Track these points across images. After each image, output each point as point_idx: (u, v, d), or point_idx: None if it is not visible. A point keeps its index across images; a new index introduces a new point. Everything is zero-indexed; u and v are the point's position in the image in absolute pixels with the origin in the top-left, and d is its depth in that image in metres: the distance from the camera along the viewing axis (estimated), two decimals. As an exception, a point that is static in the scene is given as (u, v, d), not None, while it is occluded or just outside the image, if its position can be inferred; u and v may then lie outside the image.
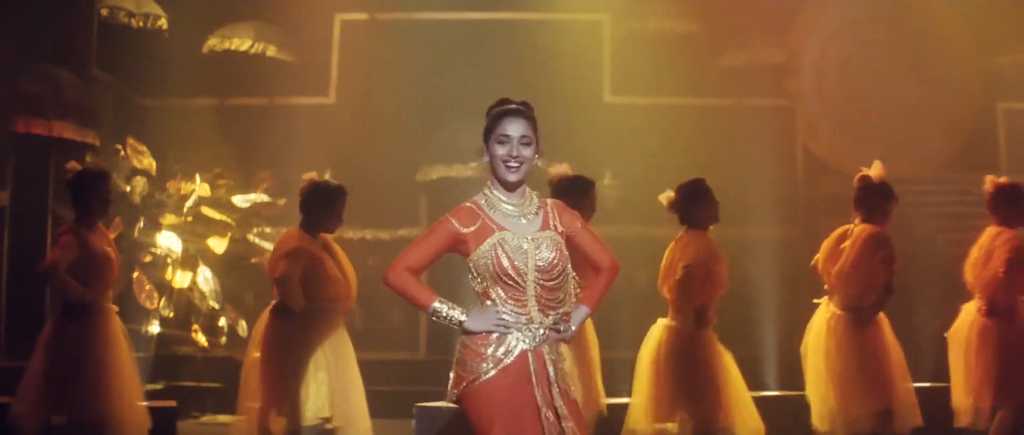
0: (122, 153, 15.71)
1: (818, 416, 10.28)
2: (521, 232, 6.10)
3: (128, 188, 15.61)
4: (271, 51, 17.40)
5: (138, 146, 15.82)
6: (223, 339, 15.98)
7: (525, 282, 6.02)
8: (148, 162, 15.86)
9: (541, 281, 6.05)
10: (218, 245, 15.99)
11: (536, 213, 6.23)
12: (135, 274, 15.47)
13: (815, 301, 10.60)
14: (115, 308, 10.25)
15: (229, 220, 16.02)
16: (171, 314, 15.93)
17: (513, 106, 6.47)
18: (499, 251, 6.02)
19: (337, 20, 18.23)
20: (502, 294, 6.03)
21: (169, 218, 15.86)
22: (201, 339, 16.03)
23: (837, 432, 10.16)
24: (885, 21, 18.15)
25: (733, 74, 17.60)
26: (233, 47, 17.36)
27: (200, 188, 15.95)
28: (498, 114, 6.42)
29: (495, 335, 6.02)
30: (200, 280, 15.93)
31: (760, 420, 10.27)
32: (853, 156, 17.59)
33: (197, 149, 16.72)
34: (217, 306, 16.09)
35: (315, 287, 9.94)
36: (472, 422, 6.07)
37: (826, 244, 10.42)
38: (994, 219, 10.26)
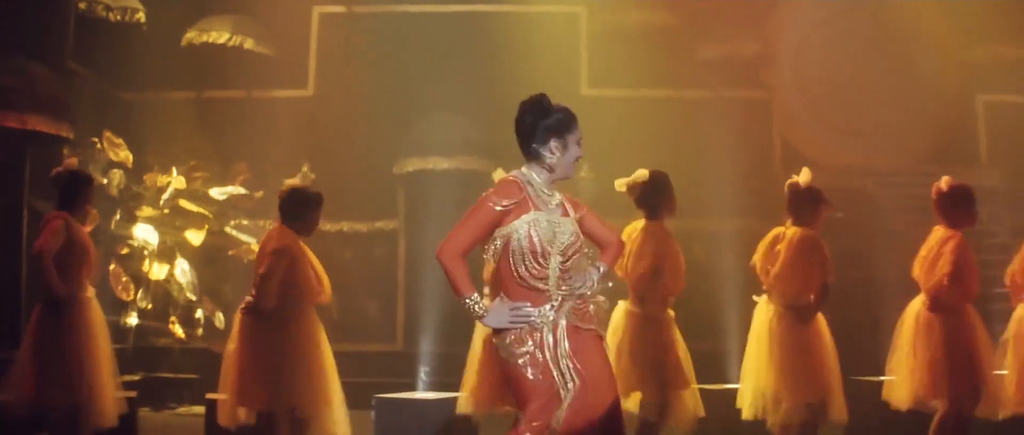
0: (99, 146, 15.69)
1: (750, 406, 10.60)
2: (550, 216, 6.67)
3: (105, 181, 15.60)
4: (249, 44, 17.44)
5: (115, 139, 15.82)
6: (200, 331, 16.02)
7: (549, 260, 6.57)
8: (124, 155, 15.87)
9: (561, 261, 6.59)
10: (195, 237, 16.02)
11: (558, 202, 6.84)
12: (111, 266, 15.49)
13: (755, 298, 10.75)
14: (95, 301, 10.31)
15: (206, 212, 16.04)
16: (149, 306, 15.96)
17: (570, 111, 7.19)
18: (533, 230, 6.58)
19: (315, 13, 18.29)
20: (530, 267, 6.58)
21: (146, 210, 15.89)
22: (178, 331, 16.06)
23: (769, 422, 10.46)
24: (864, 13, 18.15)
25: (710, 66, 17.61)
26: (211, 40, 17.40)
27: (176, 181, 15.96)
28: (574, 117, 7.22)
29: (515, 334, 6.60)
30: (177, 272, 15.95)
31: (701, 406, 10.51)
32: (832, 148, 17.67)
33: (175, 142, 16.74)
34: (194, 298, 16.11)
35: (295, 285, 10.13)
36: (514, 390, 6.65)
37: (761, 245, 10.64)
38: (943, 221, 10.38)
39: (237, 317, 10.43)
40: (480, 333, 10.55)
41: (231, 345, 10.38)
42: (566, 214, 6.79)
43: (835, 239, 15.28)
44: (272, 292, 10.01)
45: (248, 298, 10.31)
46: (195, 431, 11.27)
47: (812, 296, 10.39)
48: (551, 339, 6.58)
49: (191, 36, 17.48)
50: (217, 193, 16.33)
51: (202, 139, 17.09)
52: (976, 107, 18.31)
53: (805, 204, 10.42)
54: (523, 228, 6.58)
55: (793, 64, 18.11)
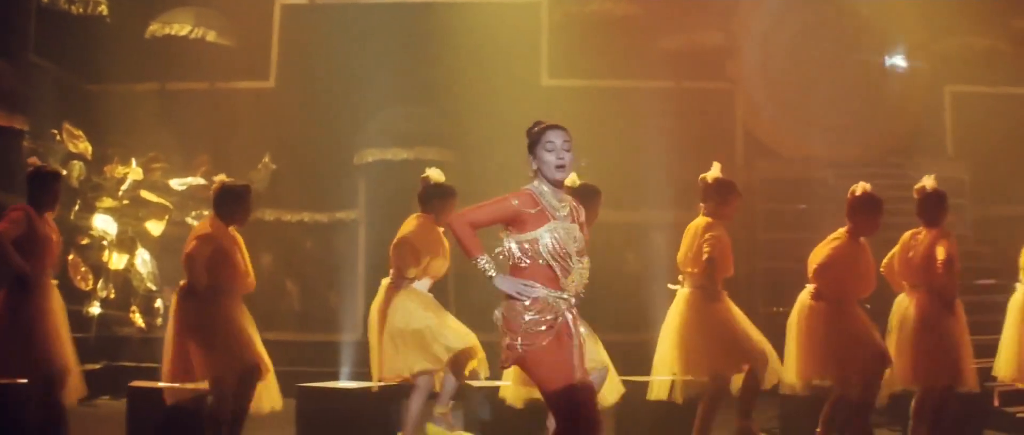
0: (58, 137, 15.71)
1: (659, 385, 10.82)
2: (564, 223, 7.12)
3: (65, 172, 15.58)
4: (211, 36, 17.53)
5: (74, 131, 15.86)
6: (160, 320, 15.99)
7: (570, 263, 7.06)
8: (84, 146, 15.92)
9: (578, 262, 7.12)
10: (155, 227, 16.04)
11: (568, 208, 7.23)
12: (71, 256, 15.52)
13: (671, 287, 10.92)
14: (55, 283, 10.43)
15: (167, 203, 16.05)
16: (112, 295, 15.97)
17: (553, 123, 7.48)
18: (555, 237, 7.02)
19: (277, 5, 18.31)
20: (552, 271, 7.04)
21: (106, 201, 15.90)
22: (139, 320, 16.08)
23: (676, 396, 10.78)
24: (830, 4, 18.23)
25: (672, 57, 17.66)
26: (173, 32, 17.48)
27: (134, 172, 15.96)
28: (542, 128, 7.41)
29: (539, 308, 7.03)
30: (138, 262, 15.97)
31: None
32: (795, 139, 17.72)
33: (139, 133, 16.74)
34: (154, 288, 16.14)
35: (221, 271, 10.33)
36: (538, 378, 7.09)
37: (685, 238, 10.79)
38: (848, 224, 10.64)
39: (173, 300, 10.66)
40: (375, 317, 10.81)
41: (168, 326, 10.62)
42: (574, 221, 7.21)
43: (794, 230, 15.44)
44: (199, 273, 10.26)
45: (182, 282, 10.55)
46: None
47: (717, 279, 10.60)
48: (569, 324, 7.12)
49: (154, 28, 17.57)
50: (177, 184, 16.37)
51: (165, 131, 17.10)
52: (943, 98, 18.40)
53: (713, 196, 10.66)
54: (548, 236, 7.02)
55: (758, 55, 18.13)
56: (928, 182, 10.89)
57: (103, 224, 15.73)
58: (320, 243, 17.23)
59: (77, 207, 15.82)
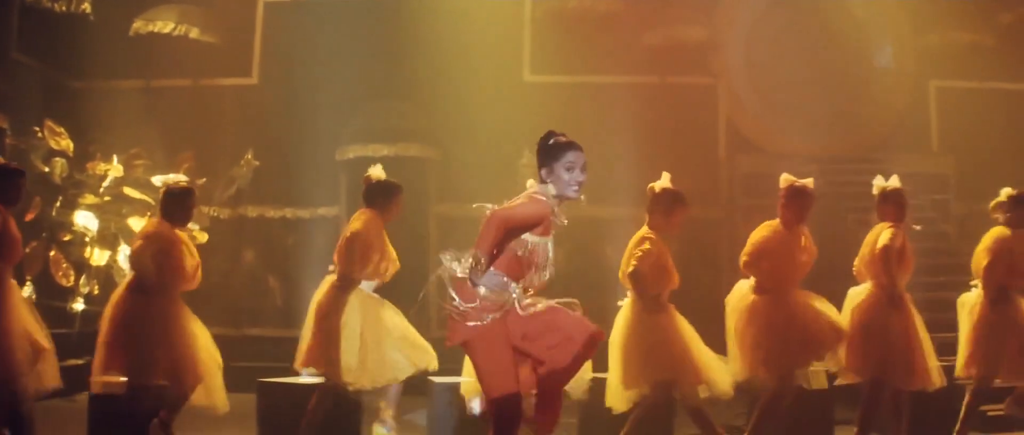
0: (40, 135, 15.73)
1: (610, 396, 10.68)
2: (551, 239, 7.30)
3: (46, 169, 15.70)
4: (194, 33, 17.61)
5: (56, 128, 15.90)
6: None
7: (547, 272, 7.22)
8: (65, 143, 15.96)
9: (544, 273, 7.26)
10: (138, 224, 15.98)
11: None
12: (52, 252, 15.54)
13: (619, 303, 10.90)
14: (15, 282, 10.41)
15: (149, 199, 16.02)
16: (96, 291, 15.97)
17: (571, 140, 7.46)
18: (549, 247, 7.21)
19: (260, 2, 18.34)
20: (524, 274, 7.13)
21: (89, 198, 15.92)
22: (121, 315, 16.08)
23: (620, 405, 10.60)
24: (815, -1, 18.15)
25: (655, 52, 17.67)
26: (157, 29, 17.51)
27: (114, 168, 15.96)
28: (562, 145, 7.39)
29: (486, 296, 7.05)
30: (120, 258, 15.96)
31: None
32: (779, 134, 17.71)
33: (122, 130, 16.75)
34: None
35: (165, 269, 10.40)
36: (479, 360, 7.15)
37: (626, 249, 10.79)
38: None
39: (115, 295, 10.73)
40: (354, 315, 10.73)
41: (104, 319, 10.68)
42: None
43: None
44: (147, 270, 10.39)
45: (127, 279, 10.75)
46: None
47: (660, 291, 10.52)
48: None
49: (138, 25, 17.66)
50: (159, 181, 16.32)
51: (149, 127, 17.15)
52: (929, 93, 18.38)
53: (658, 207, 10.59)
54: (546, 245, 7.17)
55: (742, 50, 18.14)
56: (893, 182, 10.88)
57: (85, 220, 15.74)
58: (302, 239, 17.23)
59: (59, 204, 15.84)
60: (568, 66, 17.54)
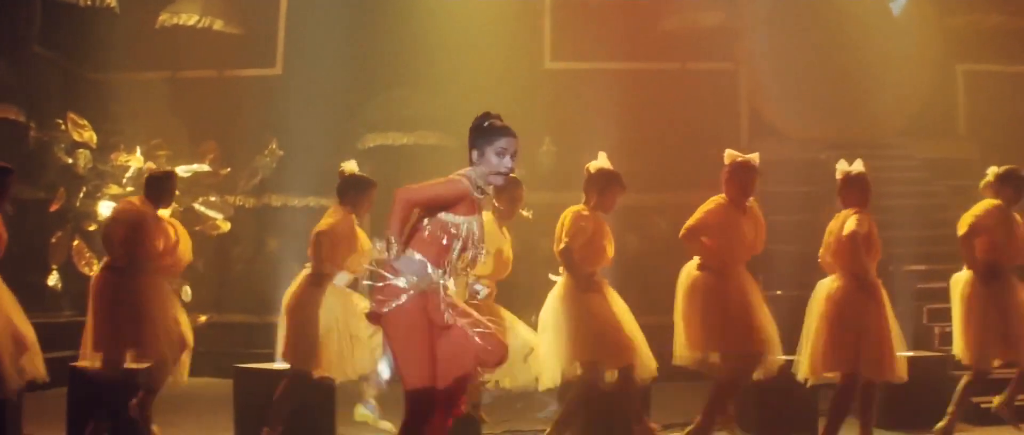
0: (63, 127, 15.87)
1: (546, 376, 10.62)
2: (479, 216, 7.21)
3: (70, 160, 15.85)
4: (218, 25, 17.74)
5: (78, 120, 16.10)
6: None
7: (478, 252, 7.18)
8: (88, 135, 16.15)
9: (474, 255, 7.20)
10: (161, 213, 16.14)
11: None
12: (75, 242, 15.69)
13: (552, 276, 10.87)
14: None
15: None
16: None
17: (505, 125, 7.40)
18: (474, 226, 7.10)
19: (283, -8, 18.42)
20: (453, 255, 7.09)
21: (112, 189, 16.04)
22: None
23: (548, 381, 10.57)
24: (839, -20, 18.00)
25: (675, 38, 17.69)
26: (181, 21, 17.63)
27: (135, 159, 16.08)
28: (496, 128, 7.34)
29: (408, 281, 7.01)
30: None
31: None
32: (802, 119, 17.65)
33: (147, 122, 16.91)
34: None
35: (139, 248, 10.54)
36: (394, 345, 7.09)
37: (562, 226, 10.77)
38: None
39: (96, 271, 11.05)
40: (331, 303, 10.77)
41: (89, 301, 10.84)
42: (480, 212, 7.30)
43: (796, 212, 15.43)
44: (115, 249, 10.58)
45: (106, 258, 10.86)
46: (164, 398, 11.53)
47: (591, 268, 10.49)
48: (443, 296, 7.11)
49: (163, 18, 17.89)
50: (182, 171, 16.46)
51: (174, 118, 17.32)
52: (956, 77, 18.30)
53: (592, 186, 10.55)
54: (470, 224, 7.06)
55: (764, 35, 18.05)
56: (856, 166, 10.75)
57: (107, 211, 15.85)
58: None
59: (82, 194, 15.97)
60: (588, 53, 17.55)
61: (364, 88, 17.18)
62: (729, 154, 10.67)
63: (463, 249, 7.07)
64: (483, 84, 16.90)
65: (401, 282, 6.96)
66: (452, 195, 7.02)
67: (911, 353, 10.77)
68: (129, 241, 10.53)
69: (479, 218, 7.14)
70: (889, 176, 16.65)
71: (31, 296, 15.27)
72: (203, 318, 15.80)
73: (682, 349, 10.43)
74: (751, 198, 10.59)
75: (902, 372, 10.26)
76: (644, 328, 10.56)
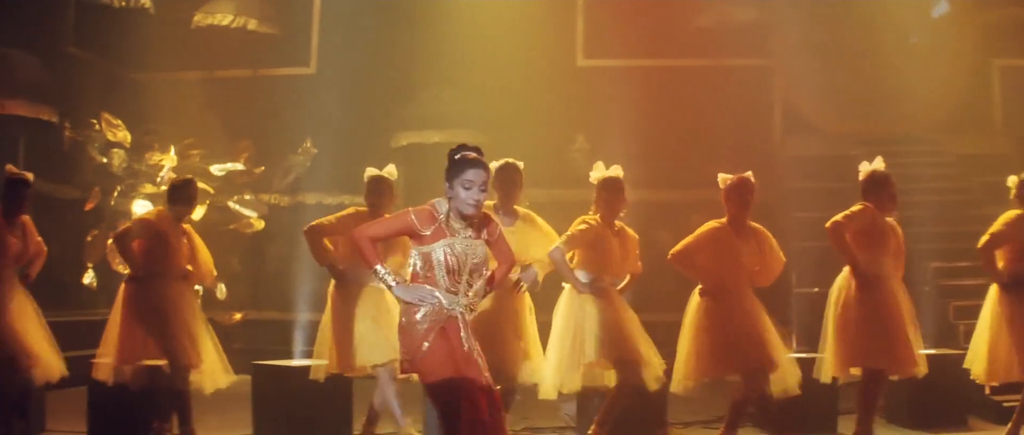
0: (97, 127, 15.98)
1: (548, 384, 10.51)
2: (462, 239, 7.33)
3: (104, 160, 15.97)
4: (252, 25, 17.83)
5: (112, 120, 16.20)
6: (198, 301, 16.23)
7: (461, 275, 7.35)
8: (122, 135, 16.26)
9: (470, 274, 7.39)
10: (196, 212, 16.20)
11: (474, 226, 7.41)
12: (110, 242, 15.77)
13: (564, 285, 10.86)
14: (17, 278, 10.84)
15: (209, 188, 16.24)
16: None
17: (475, 158, 7.43)
18: (448, 251, 7.27)
19: (317, -9, 18.51)
20: (443, 281, 7.33)
21: (147, 187, 16.15)
22: (178, 301, 16.33)
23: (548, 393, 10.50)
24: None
25: (708, 34, 17.61)
26: (216, 22, 17.75)
27: (169, 158, 16.18)
28: (463, 161, 7.37)
29: (425, 312, 7.30)
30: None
31: None
32: (839, 115, 17.57)
33: (181, 121, 16.98)
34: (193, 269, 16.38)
35: (156, 256, 10.71)
36: (426, 381, 7.37)
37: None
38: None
39: (121, 285, 11.06)
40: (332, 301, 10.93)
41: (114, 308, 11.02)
42: (478, 238, 7.44)
43: (828, 209, 15.36)
44: (132, 260, 10.78)
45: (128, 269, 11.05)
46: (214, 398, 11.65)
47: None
48: (462, 324, 7.36)
49: (198, 18, 18.00)
50: (216, 169, 16.58)
51: (209, 117, 17.40)
52: (992, 72, 18.19)
53: (600, 197, 10.41)
54: (440, 250, 7.26)
55: (797, 29, 17.86)
56: (877, 164, 10.67)
57: (141, 209, 15.95)
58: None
59: (117, 193, 16.08)
60: (621, 50, 17.53)
61: (397, 86, 17.25)
62: (722, 178, 10.44)
63: (449, 272, 7.30)
64: (516, 82, 16.95)
65: (418, 316, 7.24)
66: (404, 227, 7.35)
67: (933, 351, 10.71)
68: (144, 252, 10.74)
69: (460, 241, 7.28)
70: (921, 172, 16.58)
71: (67, 295, 15.47)
72: (238, 316, 15.91)
73: (678, 376, 10.28)
74: (755, 224, 10.39)
75: (919, 368, 10.16)
76: (674, 326, 10.57)
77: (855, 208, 10.23)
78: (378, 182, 11.19)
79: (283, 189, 17.68)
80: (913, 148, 16.95)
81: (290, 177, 17.68)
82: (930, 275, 13.80)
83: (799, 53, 17.72)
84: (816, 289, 14.45)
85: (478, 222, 7.41)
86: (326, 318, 10.81)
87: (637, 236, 10.53)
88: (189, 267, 11.01)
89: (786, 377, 10.14)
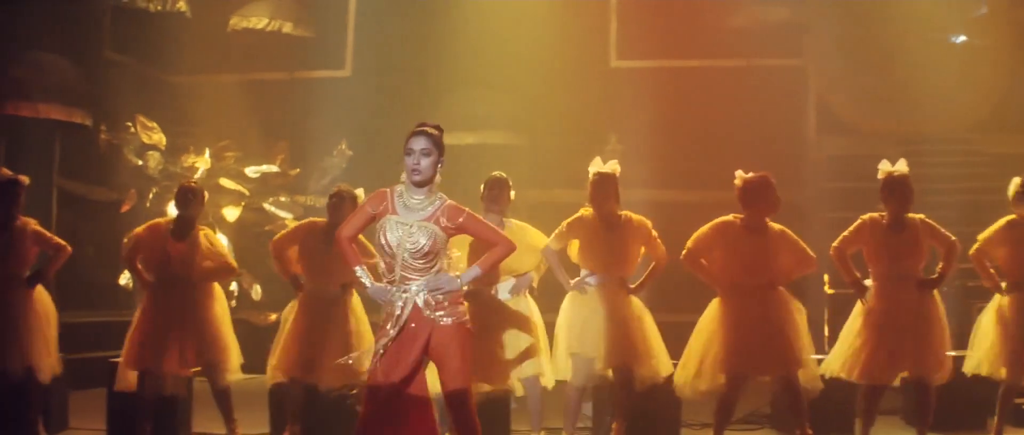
0: (132, 129, 16.12)
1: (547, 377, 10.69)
2: (409, 220, 7.46)
3: (140, 162, 16.09)
4: (288, 28, 17.94)
5: (148, 123, 16.38)
6: (234, 302, 16.32)
7: (396, 257, 7.39)
8: (157, 137, 16.44)
9: (410, 258, 7.40)
10: (231, 213, 16.38)
11: (430, 209, 7.53)
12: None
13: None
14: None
15: (244, 189, 16.37)
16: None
17: (420, 127, 7.93)
18: (388, 232, 7.42)
19: (352, -5, 18.62)
20: (382, 264, 7.48)
21: (183, 189, 16.27)
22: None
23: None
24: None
25: (741, 34, 17.60)
26: (252, 25, 17.85)
27: (203, 160, 16.31)
28: (409, 134, 7.87)
29: (387, 312, 7.47)
30: (216, 247, 16.34)
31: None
32: (875, 115, 17.51)
33: (217, 124, 17.12)
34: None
35: (153, 265, 10.88)
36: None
37: None
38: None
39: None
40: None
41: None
42: (431, 219, 7.47)
43: (862, 208, 15.35)
44: (132, 267, 11.02)
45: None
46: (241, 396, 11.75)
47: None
48: (398, 312, 7.42)
49: (234, 22, 18.12)
50: (251, 171, 16.70)
51: (245, 120, 17.50)
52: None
53: (590, 192, 10.46)
54: (378, 230, 7.47)
55: (831, 28, 17.86)
56: (900, 166, 10.67)
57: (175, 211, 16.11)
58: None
59: (152, 195, 16.21)
60: (653, 51, 17.56)
61: (431, 88, 17.29)
62: (740, 175, 10.44)
63: (385, 255, 7.40)
64: (549, 83, 16.99)
65: (384, 315, 7.45)
66: (364, 214, 7.60)
67: (954, 352, 10.70)
68: (146, 262, 10.92)
69: (398, 221, 7.41)
70: (955, 172, 16.57)
71: (102, 295, 15.61)
72: (273, 316, 15.97)
73: (682, 379, 10.23)
74: (775, 224, 10.33)
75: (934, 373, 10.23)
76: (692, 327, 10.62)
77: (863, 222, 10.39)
78: (336, 197, 11.19)
79: (319, 191, 17.74)
80: (947, 147, 16.91)
81: (326, 179, 17.72)
82: (957, 275, 13.74)
83: (832, 53, 17.68)
84: (851, 291, 14.47)
85: (440, 209, 7.46)
86: (285, 328, 11.02)
87: (648, 222, 10.51)
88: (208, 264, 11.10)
89: (808, 377, 10.15)
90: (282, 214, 16.72)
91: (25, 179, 11.08)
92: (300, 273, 11.06)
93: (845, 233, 10.47)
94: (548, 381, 10.47)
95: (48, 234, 11.16)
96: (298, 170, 17.20)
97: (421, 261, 7.37)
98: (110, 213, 15.98)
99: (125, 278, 16.07)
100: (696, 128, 16.78)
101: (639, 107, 16.60)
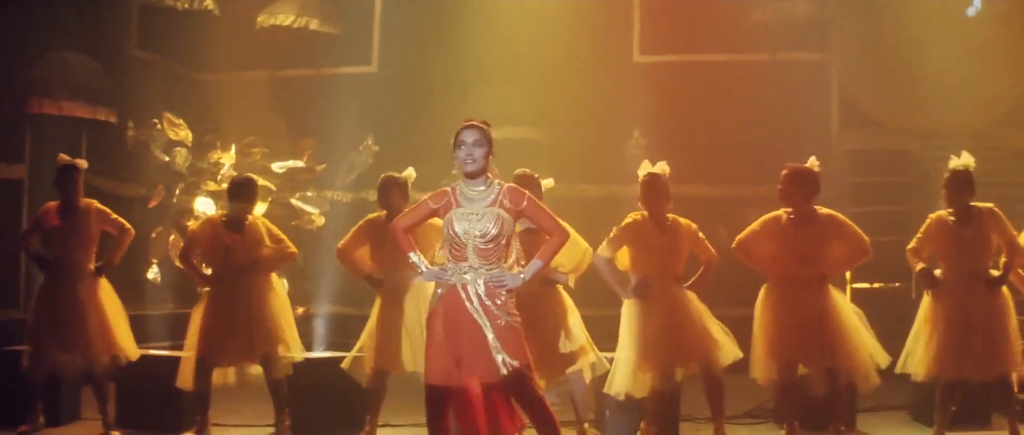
0: (159, 126, 16.24)
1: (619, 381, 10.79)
2: (473, 209, 7.85)
3: (166, 158, 16.23)
4: (314, 25, 18.01)
5: (174, 120, 16.53)
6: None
7: (465, 246, 7.76)
8: (184, 134, 16.59)
9: (479, 244, 7.76)
10: (258, 209, 16.42)
11: (491, 196, 7.93)
12: (172, 237, 16.07)
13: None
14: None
15: (271, 185, 16.45)
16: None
17: (469, 122, 8.43)
18: (454, 222, 7.81)
19: (378, -9, 18.69)
20: (449, 252, 7.84)
21: (210, 185, 16.42)
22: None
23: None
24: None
25: (765, 29, 17.60)
26: (278, 22, 17.94)
27: (228, 156, 16.43)
28: (459, 128, 8.30)
29: (440, 292, 7.88)
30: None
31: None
32: (900, 109, 17.44)
33: (244, 120, 17.22)
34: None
35: (214, 259, 11.41)
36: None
37: None
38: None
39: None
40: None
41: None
42: (494, 204, 7.88)
43: (884, 203, 15.35)
44: (185, 262, 11.57)
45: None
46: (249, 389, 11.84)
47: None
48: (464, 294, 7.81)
49: (261, 19, 18.20)
50: (277, 167, 16.79)
51: (272, 116, 17.61)
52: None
53: (643, 194, 10.68)
54: (447, 221, 7.86)
55: (855, 22, 17.77)
56: (966, 160, 10.72)
57: (204, 206, 16.22)
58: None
59: (178, 191, 16.34)
60: (677, 45, 17.60)
61: (456, 83, 17.35)
62: (788, 167, 10.58)
63: (453, 245, 7.77)
64: (572, 78, 17.03)
65: (436, 297, 7.88)
66: (425, 210, 8.07)
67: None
68: (206, 257, 11.40)
69: (463, 212, 7.80)
70: (980, 166, 16.36)
71: (132, 290, 15.73)
72: (301, 310, 16.08)
73: (756, 367, 10.55)
74: (822, 209, 10.55)
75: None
76: (733, 321, 10.65)
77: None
78: (386, 183, 11.62)
79: (345, 186, 17.85)
80: (970, 142, 16.76)
81: (353, 175, 17.84)
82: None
83: (856, 47, 17.61)
84: (877, 285, 14.48)
85: (500, 192, 7.89)
86: (372, 321, 11.16)
87: (695, 225, 10.68)
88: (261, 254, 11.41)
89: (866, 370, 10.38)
90: (308, 209, 16.84)
91: (83, 163, 11.45)
92: (375, 270, 11.21)
93: (918, 234, 10.73)
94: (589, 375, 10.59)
95: (112, 214, 11.57)
96: (324, 166, 17.33)
97: (491, 245, 7.74)
98: (137, 208, 16.09)
99: (153, 272, 16.22)
100: (719, 123, 16.79)
101: (662, 102, 16.62)
